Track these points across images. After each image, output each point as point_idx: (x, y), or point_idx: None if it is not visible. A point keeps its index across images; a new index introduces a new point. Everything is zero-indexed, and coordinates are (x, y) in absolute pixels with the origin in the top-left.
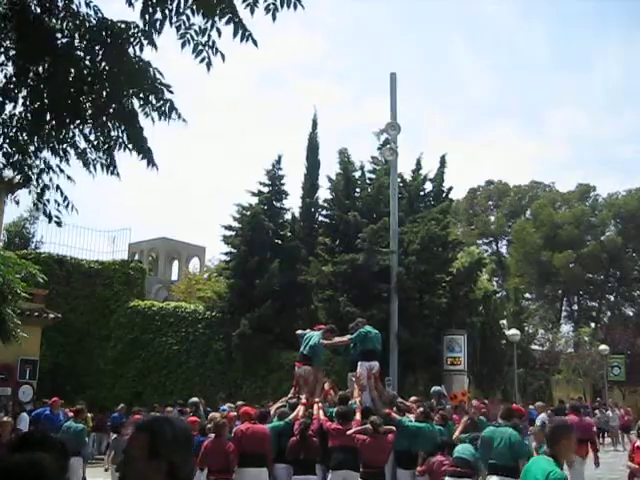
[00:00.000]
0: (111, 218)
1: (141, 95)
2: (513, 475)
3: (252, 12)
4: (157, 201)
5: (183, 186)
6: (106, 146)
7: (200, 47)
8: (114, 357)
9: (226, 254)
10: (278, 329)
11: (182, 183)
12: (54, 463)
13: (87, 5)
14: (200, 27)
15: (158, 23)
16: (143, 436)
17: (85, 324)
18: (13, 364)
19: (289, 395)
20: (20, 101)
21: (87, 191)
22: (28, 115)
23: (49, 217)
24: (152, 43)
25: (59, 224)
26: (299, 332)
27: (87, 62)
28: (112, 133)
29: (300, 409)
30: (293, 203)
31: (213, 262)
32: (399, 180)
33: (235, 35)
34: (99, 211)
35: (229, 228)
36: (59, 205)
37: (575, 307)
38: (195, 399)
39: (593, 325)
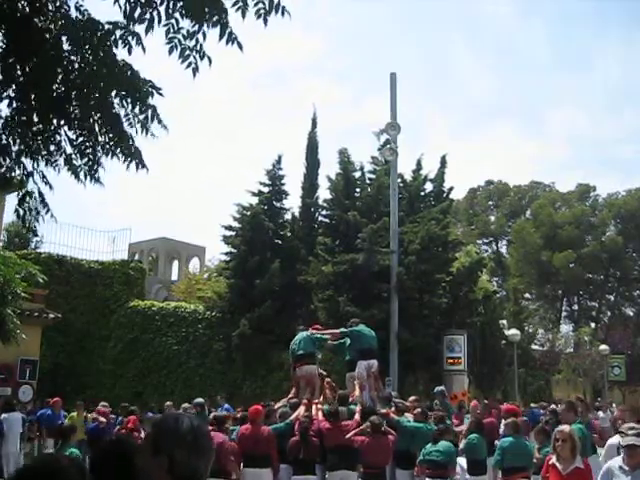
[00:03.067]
0: (111, 218)
1: (128, 100)
2: None
3: (243, 16)
4: (157, 201)
5: (183, 186)
6: (90, 151)
7: (187, 52)
8: (114, 357)
9: (226, 254)
10: (278, 329)
11: (182, 183)
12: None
13: (77, 9)
14: (188, 31)
15: (147, 22)
16: (151, 433)
17: (85, 324)
18: (13, 364)
19: (290, 395)
20: (5, 102)
21: (87, 191)
22: (15, 117)
23: (27, 227)
24: (141, 44)
25: (35, 233)
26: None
27: (75, 63)
28: (99, 138)
29: (301, 409)
30: (293, 203)
31: (213, 262)
32: (399, 180)
33: (221, 38)
34: (99, 211)
35: (229, 228)
36: (38, 213)
37: (575, 307)
38: (200, 400)
39: (593, 325)
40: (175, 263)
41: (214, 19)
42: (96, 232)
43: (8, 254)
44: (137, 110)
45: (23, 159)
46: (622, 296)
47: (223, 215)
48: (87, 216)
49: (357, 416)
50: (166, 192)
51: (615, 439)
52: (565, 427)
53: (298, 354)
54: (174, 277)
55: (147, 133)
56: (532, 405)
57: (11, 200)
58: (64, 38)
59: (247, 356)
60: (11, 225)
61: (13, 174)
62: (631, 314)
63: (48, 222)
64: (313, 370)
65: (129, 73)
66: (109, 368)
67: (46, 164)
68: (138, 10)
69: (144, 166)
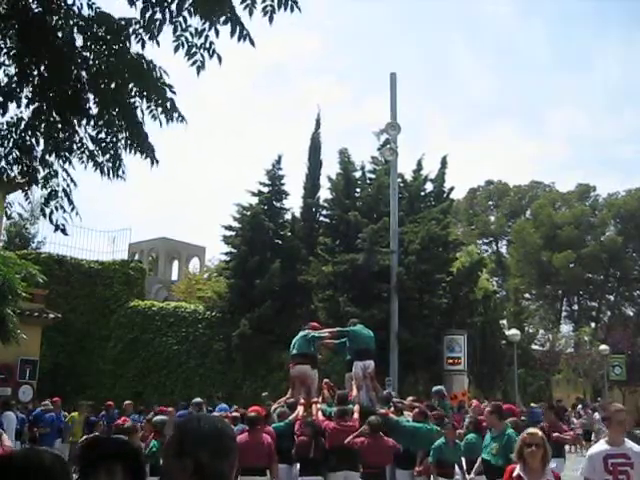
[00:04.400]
0: (111, 218)
1: (144, 93)
2: None
3: (250, 14)
4: (157, 201)
5: (183, 186)
6: (111, 146)
7: (194, 50)
8: (114, 357)
9: (226, 254)
10: (278, 329)
11: (182, 183)
12: (57, 464)
13: (89, 7)
14: (197, 29)
15: (158, 23)
16: (175, 434)
17: (85, 324)
18: (13, 364)
19: (287, 395)
20: (24, 102)
21: (87, 191)
22: (36, 117)
23: (56, 226)
24: (154, 38)
25: (64, 232)
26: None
27: (89, 60)
28: (119, 135)
29: (300, 409)
30: (294, 203)
31: (213, 262)
32: (400, 180)
33: (232, 34)
34: (99, 211)
35: (229, 228)
36: (64, 212)
37: (575, 307)
38: (198, 399)
39: (593, 325)
40: (175, 263)
41: (224, 17)
42: (96, 232)
43: (8, 254)
44: (155, 101)
45: (48, 158)
46: (622, 296)
47: (223, 215)
48: (87, 216)
49: (356, 415)
50: (166, 192)
51: (597, 447)
52: (536, 430)
53: (292, 354)
54: (174, 277)
55: (173, 121)
56: (532, 405)
57: (13, 199)
58: (77, 35)
59: (247, 356)
60: (11, 225)
61: (38, 174)
62: (631, 314)
63: (81, 221)
64: (307, 370)
65: (145, 67)
66: (109, 368)
67: (70, 162)
68: (150, 10)
69: (157, 162)
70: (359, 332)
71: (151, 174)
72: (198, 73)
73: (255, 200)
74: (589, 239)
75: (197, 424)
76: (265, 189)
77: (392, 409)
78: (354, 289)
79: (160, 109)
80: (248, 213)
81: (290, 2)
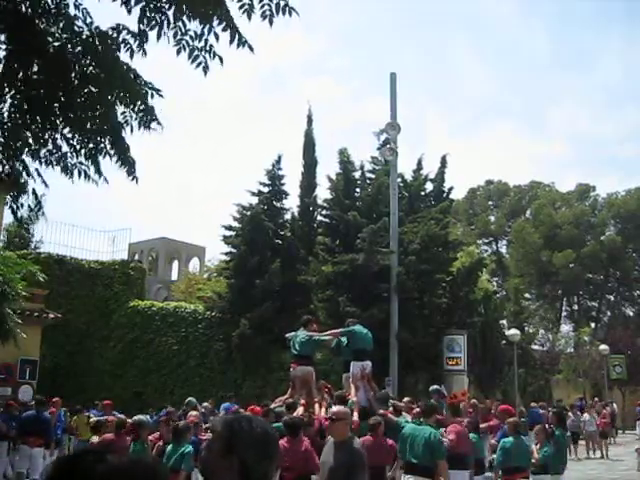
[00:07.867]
0: (111, 218)
1: (127, 101)
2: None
3: (249, 18)
4: (157, 201)
5: (183, 186)
6: (89, 151)
7: (196, 52)
8: (114, 357)
9: (226, 254)
10: (278, 329)
11: (182, 183)
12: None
13: (76, 7)
14: (196, 32)
15: (157, 28)
16: (223, 433)
17: (85, 324)
18: (13, 364)
19: (286, 396)
20: (8, 102)
21: (87, 191)
22: (15, 115)
23: (19, 221)
24: (142, 48)
25: (27, 230)
26: (287, 335)
27: (77, 67)
28: (98, 138)
29: (300, 410)
30: (293, 203)
31: (213, 262)
32: (400, 180)
33: (231, 42)
34: (99, 211)
35: (229, 228)
36: (31, 210)
37: (575, 307)
38: (192, 399)
39: (593, 325)
40: (175, 263)
41: (223, 24)
42: (96, 232)
43: (8, 254)
44: (135, 110)
45: (24, 157)
46: (622, 296)
47: (223, 215)
48: (87, 216)
49: (355, 415)
50: (166, 192)
51: None
52: None
53: (295, 354)
54: (174, 277)
55: (148, 129)
56: (532, 405)
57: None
58: (66, 41)
59: (247, 356)
60: (11, 225)
61: (12, 172)
62: (631, 314)
63: (45, 222)
64: (309, 371)
65: (130, 75)
66: (109, 368)
67: (43, 163)
68: (148, 15)
69: (134, 177)
70: (359, 332)
71: (151, 174)
72: (205, 74)
73: (255, 200)
74: (589, 239)
75: (248, 425)
76: (265, 189)
77: (390, 409)
78: (354, 289)
79: (140, 119)
80: (248, 213)
81: (287, 8)
